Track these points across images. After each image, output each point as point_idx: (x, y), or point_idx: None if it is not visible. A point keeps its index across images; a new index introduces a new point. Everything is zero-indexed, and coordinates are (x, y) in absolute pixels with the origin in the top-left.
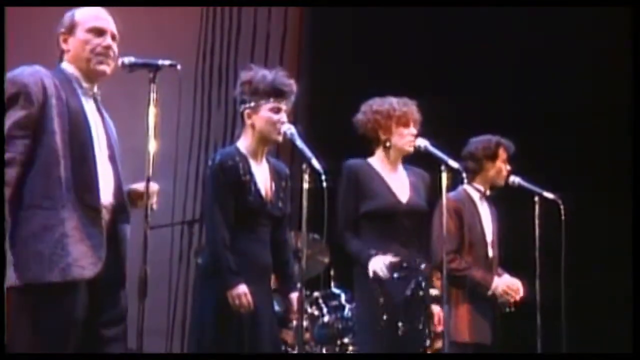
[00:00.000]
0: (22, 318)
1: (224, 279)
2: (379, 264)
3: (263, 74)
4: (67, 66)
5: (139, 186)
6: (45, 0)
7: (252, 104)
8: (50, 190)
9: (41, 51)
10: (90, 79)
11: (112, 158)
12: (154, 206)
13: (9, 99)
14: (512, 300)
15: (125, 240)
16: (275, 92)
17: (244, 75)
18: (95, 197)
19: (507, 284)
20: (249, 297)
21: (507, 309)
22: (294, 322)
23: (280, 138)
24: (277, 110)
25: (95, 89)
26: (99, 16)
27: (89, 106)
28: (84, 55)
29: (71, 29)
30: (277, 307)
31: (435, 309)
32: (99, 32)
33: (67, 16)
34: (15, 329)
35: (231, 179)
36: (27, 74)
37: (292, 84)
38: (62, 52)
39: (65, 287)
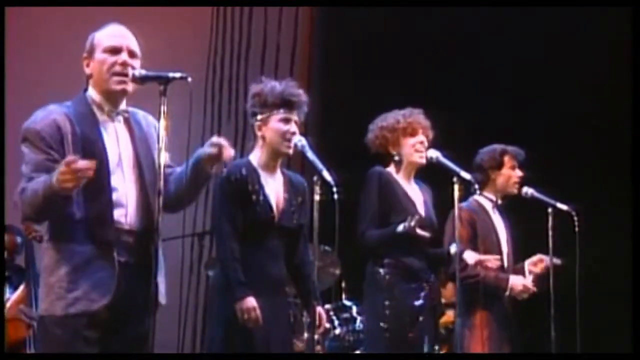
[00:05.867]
0: (41, 346)
1: (232, 291)
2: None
3: (272, 86)
4: (90, 91)
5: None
6: (45, 0)
7: (262, 116)
8: (63, 226)
9: (42, 52)
10: (113, 100)
11: (139, 178)
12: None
13: (29, 146)
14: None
15: (151, 262)
16: (285, 103)
17: (254, 88)
18: (106, 231)
19: (523, 283)
20: (258, 311)
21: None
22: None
23: (290, 150)
24: (286, 121)
25: (122, 107)
26: (114, 34)
27: (114, 128)
28: (102, 77)
29: (91, 52)
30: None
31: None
32: (114, 50)
33: (88, 40)
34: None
35: (238, 191)
36: (39, 120)
37: (301, 94)
38: (87, 77)
39: (74, 320)
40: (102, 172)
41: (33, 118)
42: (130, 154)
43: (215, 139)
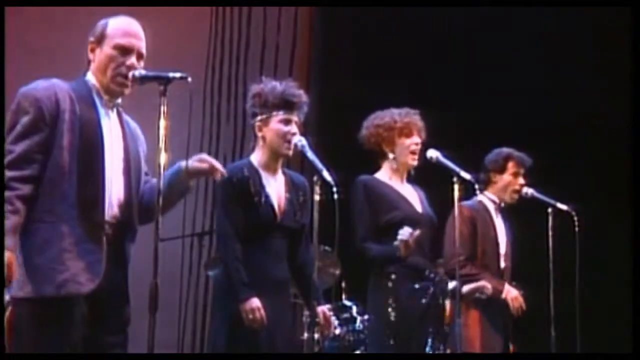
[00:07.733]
0: (22, 329)
1: (236, 292)
2: (405, 232)
3: (272, 86)
4: (90, 77)
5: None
6: (45, 0)
7: (262, 117)
8: (53, 205)
9: (42, 52)
10: (110, 93)
11: (126, 171)
12: None
13: (22, 112)
14: (516, 311)
15: (128, 258)
16: (285, 104)
17: (254, 88)
18: (98, 213)
19: (517, 294)
20: (262, 311)
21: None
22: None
23: (290, 151)
24: (286, 122)
25: (118, 101)
26: (129, 32)
27: (109, 118)
28: (105, 72)
29: (100, 40)
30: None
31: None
32: (125, 50)
33: (100, 25)
34: (16, 338)
35: (239, 192)
36: (40, 88)
37: (301, 95)
38: (89, 61)
39: (62, 302)
40: (98, 154)
41: (34, 85)
42: (121, 146)
43: (204, 155)
